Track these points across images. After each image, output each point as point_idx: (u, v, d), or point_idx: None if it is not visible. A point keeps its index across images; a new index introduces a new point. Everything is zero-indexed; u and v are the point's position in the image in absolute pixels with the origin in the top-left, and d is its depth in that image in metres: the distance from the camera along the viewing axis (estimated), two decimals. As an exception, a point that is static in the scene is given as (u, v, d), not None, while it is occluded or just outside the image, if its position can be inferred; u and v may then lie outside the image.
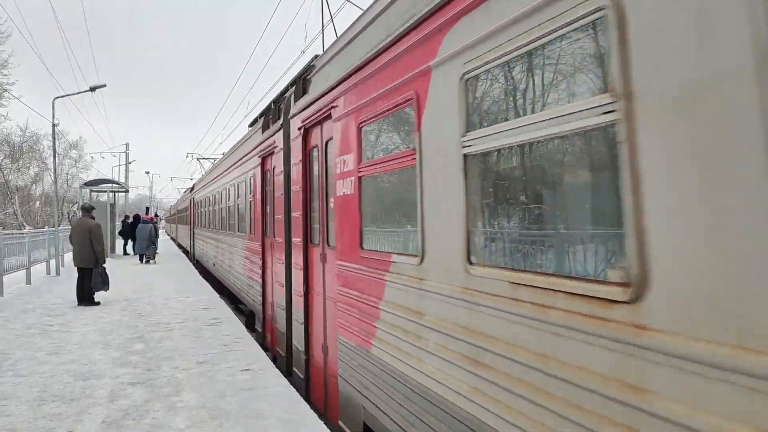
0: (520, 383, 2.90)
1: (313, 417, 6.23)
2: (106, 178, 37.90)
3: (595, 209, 2.71)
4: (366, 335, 4.95)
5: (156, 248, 28.80)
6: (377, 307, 4.69)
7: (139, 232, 28.20)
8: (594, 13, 2.41)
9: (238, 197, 14.23)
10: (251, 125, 12.79)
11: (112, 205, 33.09)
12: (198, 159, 27.47)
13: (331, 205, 6.21)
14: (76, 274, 14.66)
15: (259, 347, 9.53)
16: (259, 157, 10.89)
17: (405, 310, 4.19)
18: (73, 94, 27.74)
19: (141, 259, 28.00)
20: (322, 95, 6.34)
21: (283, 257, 8.63)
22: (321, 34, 14.96)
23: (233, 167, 14.87)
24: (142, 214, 35.65)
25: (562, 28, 2.60)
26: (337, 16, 14.36)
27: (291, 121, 8.16)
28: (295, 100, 7.78)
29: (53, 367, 8.31)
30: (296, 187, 7.87)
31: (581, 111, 2.48)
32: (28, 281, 18.93)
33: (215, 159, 30.94)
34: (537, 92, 2.94)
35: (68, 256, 21.29)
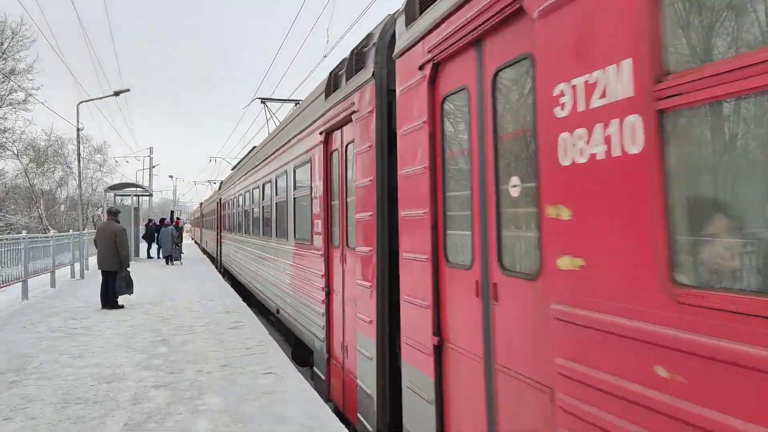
0: None
1: (335, 421, 6.18)
2: (131, 182, 38.18)
3: None
4: None
5: (180, 249, 29.81)
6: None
7: (162, 235, 29.18)
8: None
9: None
10: None
11: (136, 209, 33.44)
12: (263, 101, 18.37)
13: None
14: (100, 278, 14.78)
15: (280, 351, 9.51)
16: None
17: None
18: (98, 99, 27.94)
19: (167, 261, 28.82)
20: None
21: None
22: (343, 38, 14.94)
23: None
24: (166, 218, 36.16)
25: None
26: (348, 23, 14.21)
27: None
28: None
29: (77, 370, 8.35)
30: None
31: None
32: (53, 285, 19.14)
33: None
34: None
35: (92, 260, 21.51)
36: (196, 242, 61.28)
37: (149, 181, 52.76)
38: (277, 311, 11.83)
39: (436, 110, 4.42)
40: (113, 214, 15.05)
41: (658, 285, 2.26)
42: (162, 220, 33.60)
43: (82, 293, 17.45)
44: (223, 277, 23.40)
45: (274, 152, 12.34)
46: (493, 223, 3.60)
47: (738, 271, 2.14)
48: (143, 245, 33.70)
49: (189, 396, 7.04)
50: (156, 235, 32.13)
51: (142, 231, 34.02)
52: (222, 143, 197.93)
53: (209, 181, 62.87)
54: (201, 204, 56.28)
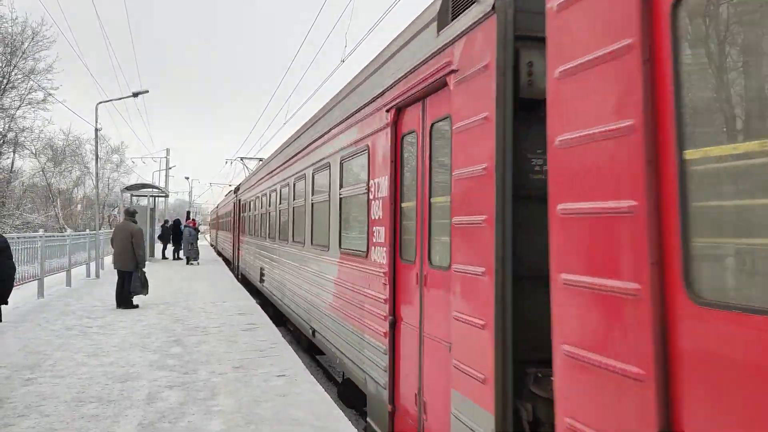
0: None
1: (348, 425, 6.17)
2: (147, 182, 38.44)
3: None
4: None
5: (197, 250, 31.05)
6: None
7: (185, 236, 30.64)
8: None
9: None
10: None
11: (152, 210, 33.66)
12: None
13: None
14: (115, 277, 14.86)
15: (293, 353, 9.51)
16: None
17: None
18: (116, 100, 28.15)
19: (188, 261, 30.07)
20: None
21: None
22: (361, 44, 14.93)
23: None
24: (182, 219, 36.69)
25: None
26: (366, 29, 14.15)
27: None
28: None
29: (92, 368, 8.39)
30: None
31: None
32: (68, 283, 19.26)
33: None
34: None
35: (108, 259, 21.65)
36: (215, 249, 51.26)
37: (165, 182, 53.06)
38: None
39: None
40: (130, 214, 15.14)
41: None
42: (177, 221, 34.00)
43: (97, 292, 17.55)
44: None
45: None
46: None
47: None
48: (159, 246, 33.97)
49: (202, 397, 7.04)
50: (171, 235, 32.75)
51: (157, 232, 34.25)
52: (239, 145, 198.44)
53: (233, 179, 60.71)
54: (236, 190, 28.89)
